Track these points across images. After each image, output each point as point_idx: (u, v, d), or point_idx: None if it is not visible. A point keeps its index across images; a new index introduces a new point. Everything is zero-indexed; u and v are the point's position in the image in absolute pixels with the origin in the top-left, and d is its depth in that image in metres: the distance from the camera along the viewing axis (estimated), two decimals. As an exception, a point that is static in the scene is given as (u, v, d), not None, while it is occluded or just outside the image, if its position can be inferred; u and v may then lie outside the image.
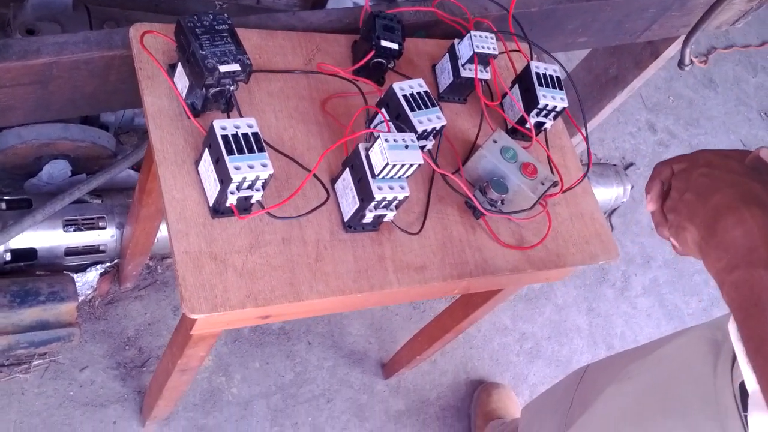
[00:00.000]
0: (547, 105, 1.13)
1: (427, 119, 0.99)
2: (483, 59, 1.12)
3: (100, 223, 1.47)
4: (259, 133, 0.86)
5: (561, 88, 1.15)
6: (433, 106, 1.00)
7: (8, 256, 1.40)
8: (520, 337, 2.02)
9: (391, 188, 0.93)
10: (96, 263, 1.55)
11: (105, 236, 1.48)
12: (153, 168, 1.06)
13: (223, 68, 0.87)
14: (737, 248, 0.67)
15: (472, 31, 1.11)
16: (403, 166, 0.91)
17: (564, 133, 1.26)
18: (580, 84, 1.95)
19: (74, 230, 1.45)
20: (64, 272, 1.48)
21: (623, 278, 2.30)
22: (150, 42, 0.96)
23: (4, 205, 1.41)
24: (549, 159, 1.18)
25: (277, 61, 1.06)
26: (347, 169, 0.97)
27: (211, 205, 0.89)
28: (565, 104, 1.14)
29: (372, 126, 1.00)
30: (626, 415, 0.99)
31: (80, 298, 1.52)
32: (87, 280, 1.54)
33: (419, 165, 0.92)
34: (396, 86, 0.99)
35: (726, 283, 0.68)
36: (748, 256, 0.66)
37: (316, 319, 1.77)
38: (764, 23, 3.25)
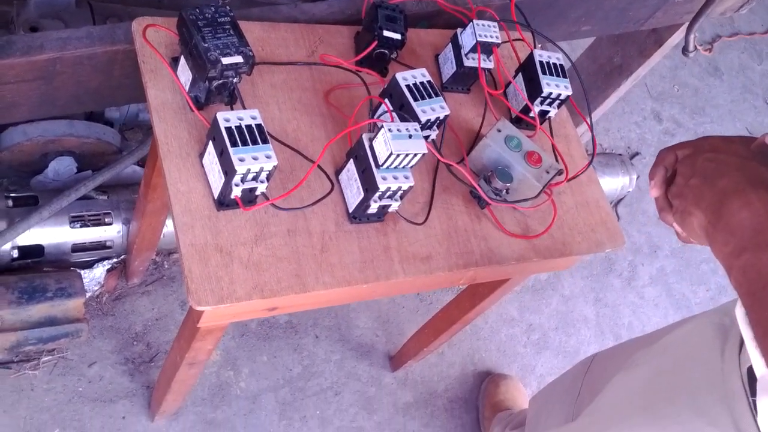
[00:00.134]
0: (551, 93, 1.13)
1: (431, 109, 0.99)
2: (486, 48, 1.11)
3: (106, 219, 1.48)
4: (263, 124, 0.86)
5: (565, 76, 1.15)
6: (437, 95, 1.00)
7: (15, 253, 1.41)
8: (528, 328, 2.02)
9: (395, 178, 0.93)
10: (103, 259, 1.55)
11: (111, 232, 1.48)
12: (158, 163, 1.07)
13: (225, 60, 0.87)
14: (744, 231, 0.67)
15: (474, 20, 1.11)
16: (407, 155, 0.91)
17: (568, 121, 1.26)
18: (585, 73, 1.95)
19: (81, 226, 1.45)
20: (71, 268, 1.49)
21: (630, 268, 2.29)
22: (153, 36, 0.96)
23: (10, 203, 1.41)
24: (554, 148, 1.18)
25: (279, 53, 1.06)
26: (351, 160, 0.97)
27: (216, 197, 0.90)
28: (569, 92, 1.14)
29: (375, 116, 1.00)
30: (634, 401, 0.99)
31: (88, 294, 1.53)
32: (94, 276, 1.55)
33: (423, 154, 0.92)
34: (399, 76, 0.99)
35: (734, 267, 0.67)
36: (755, 239, 0.65)
37: (323, 312, 1.78)
38: (769, 10, 3.24)
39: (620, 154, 2.36)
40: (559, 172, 1.10)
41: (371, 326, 1.82)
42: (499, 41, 1.11)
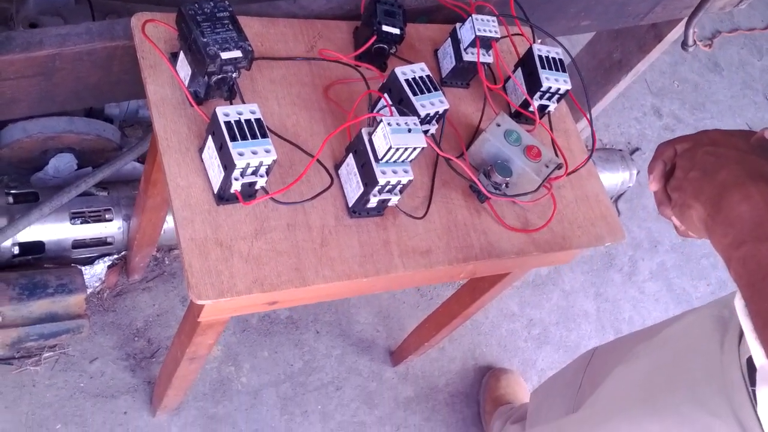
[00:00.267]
0: (550, 87, 1.13)
1: (430, 103, 0.99)
2: (485, 42, 1.11)
3: (106, 215, 1.48)
4: (262, 118, 0.86)
5: (564, 71, 1.15)
6: (436, 90, 1.00)
7: (16, 250, 1.41)
8: (528, 323, 2.02)
9: (394, 172, 0.93)
10: (103, 255, 1.56)
11: (112, 228, 1.49)
12: (158, 158, 1.07)
13: (224, 55, 0.88)
14: (744, 223, 0.67)
15: (473, 15, 1.11)
16: (406, 149, 0.91)
17: (568, 116, 1.26)
18: (584, 69, 1.95)
19: (81, 223, 1.45)
20: (72, 265, 1.49)
21: (630, 263, 2.30)
22: (152, 31, 0.96)
23: (11, 199, 1.41)
24: (553, 142, 1.18)
25: (279, 49, 1.06)
26: (351, 155, 0.97)
27: (215, 192, 0.90)
28: (569, 86, 1.14)
29: (375, 111, 1.00)
30: (634, 393, 0.99)
31: (89, 291, 1.53)
32: (95, 273, 1.55)
33: (422, 148, 0.92)
34: (398, 71, 1.00)
35: (733, 259, 0.68)
36: (754, 231, 0.66)
37: (323, 307, 1.78)
38: (769, 5, 3.23)
39: (620, 150, 2.36)
40: (559, 167, 1.10)
41: (372, 321, 1.83)
42: (498, 36, 1.12)
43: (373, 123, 0.94)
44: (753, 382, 0.81)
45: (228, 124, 0.84)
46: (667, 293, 2.30)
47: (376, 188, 0.93)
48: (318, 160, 0.97)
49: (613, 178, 2.25)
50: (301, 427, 1.64)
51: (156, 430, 1.51)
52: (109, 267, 1.57)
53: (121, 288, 1.61)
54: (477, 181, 1.04)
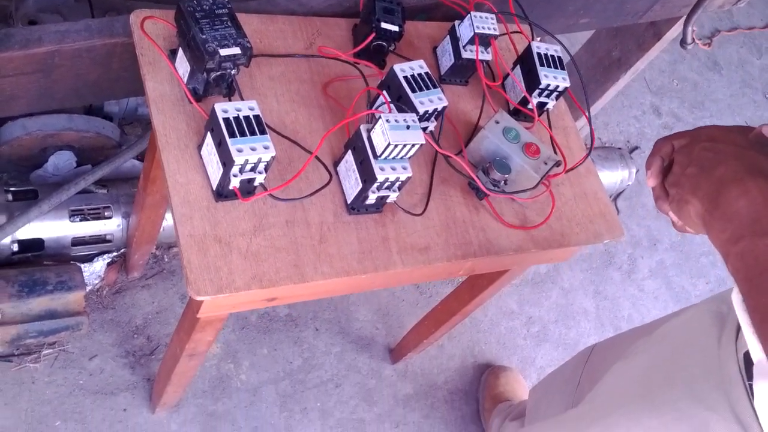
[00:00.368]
0: (549, 85, 1.13)
1: (429, 100, 0.99)
2: (484, 40, 1.12)
3: (105, 213, 1.48)
4: (261, 115, 0.86)
5: (563, 68, 1.15)
6: (434, 87, 1.00)
7: (15, 247, 1.41)
8: (527, 320, 2.03)
9: (393, 169, 0.93)
10: (103, 253, 1.56)
11: (111, 226, 1.49)
12: (157, 155, 1.07)
13: (223, 52, 0.88)
14: (742, 219, 0.67)
15: (472, 12, 1.11)
16: (405, 146, 0.91)
17: (567, 113, 1.26)
18: (584, 67, 1.95)
19: (80, 220, 1.46)
20: (71, 262, 1.49)
21: (630, 261, 2.30)
22: (151, 28, 0.97)
23: (10, 196, 1.41)
24: (552, 139, 1.18)
25: (277, 46, 1.06)
26: (349, 151, 0.97)
27: (214, 188, 0.90)
28: (567, 84, 1.14)
29: (373, 108, 1.00)
30: (632, 389, 0.99)
31: (88, 288, 1.54)
32: (94, 270, 1.55)
33: (421, 145, 0.92)
34: (397, 68, 1.00)
35: (731, 254, 0.68)
36: (752, 227, 0.66)
37: (322, 305, 1.78)
38: (768, 4, 3.24)
39: (619, 148, 2.36)
40: (557, 164, 1.10)
41: (371, 319, 1.83)
42: (497, 33, 1.12)
43: (372, 120, 0.94)
44: (750, 377, 0.82)
45: (227, 120, 0.84)
46: (666, 291, 2.31)
47: (375, 185, 0.93)
48: (317, 157, 0.97)
49: (613, 177, 2.25)
50: (301, 424, 1.64)
51: (155, 427, 1.51)
52: (108, 264, 1.57)
53: (120, 285, 1.61)
54: (476, 178, 1.04)
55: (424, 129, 1.02)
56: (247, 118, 0.85)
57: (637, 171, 2.33)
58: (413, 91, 0.99)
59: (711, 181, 0.72)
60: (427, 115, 1.00)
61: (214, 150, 0.87)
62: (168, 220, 1.50)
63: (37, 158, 1.43)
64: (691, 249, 2.43)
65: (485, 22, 1.11)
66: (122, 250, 1.58)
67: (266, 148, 0.84)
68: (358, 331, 1.80)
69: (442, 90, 1.01)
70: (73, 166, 1.46)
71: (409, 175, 0.94)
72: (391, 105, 0.98)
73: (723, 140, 0.75)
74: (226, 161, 0.85)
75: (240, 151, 0.83)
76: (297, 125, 1.01)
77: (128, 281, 1.62)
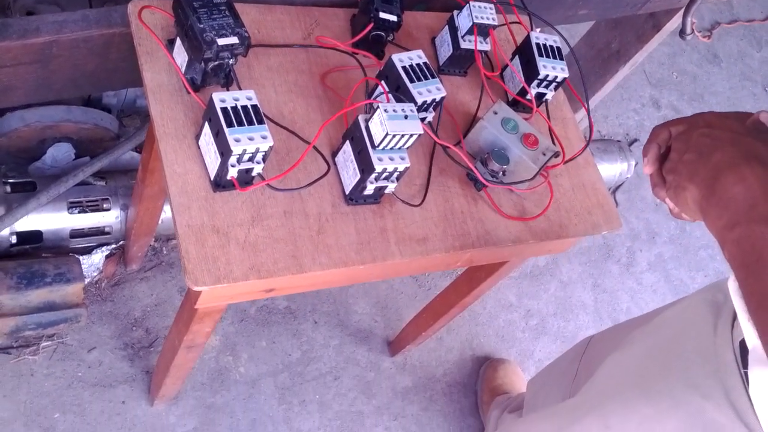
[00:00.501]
0: (547, 75, 1.13)
1: (427, 90, 0.99)
2: (482, 30, 1.11)
3: (104, 205, 1.48)
4: (258, 105, 0.86)
5: (561, 59, 1.15)
6: (433, 77, 1.00)
7: (14, 239, 1.41)
8: (526, 313, 2.03)
9: (391, 159, 0.93)
10: (101, 245, 1.56)
11: (109, 218, 1.49)
12: (155, 146, 1.06)
13: (221, 41, 0.88)
14: (738, 205, 0.67)
15: (471, 2, 1.11)
16: (402, 136, 0.91)
17: (565, 104, 1.26)
18: (583, 59, 1.95)
19: (79, 212, 1.45)
20: (70, 254, 1.49)
21: (628, 254, 2.30)
22: (148, 18, 0.96)
23: (8, 188, 1.41)
24: (550, 130, 1.18)
25: (275, 36, 1.06)
26: (347, 142, 0.97)
27: (212, 178, 0.90)
28: (566, 74, 1.14)
29: (372, 98, 1.00)
30: (628, 378, 0.99)
31: (86, 280, 1.53)
32: (93, 262, 1.55)
33: (419, 135, 0.92)
34: (395, 57, 0.99)
35: (727, 240, 0.68)
36: (749, 213, 0.66)
37: (321, 298, 1.78)
38: (768, -3, 3.23)
39: (618, 141, 2.36)
40: (556, 155, 1.10)
41: (370, 312, 1.83)
42: (496, 23, 1.12)
43: (370, 110, 0.94)
44: (745, 365, 0.82)
45: (224, 110, 0.84)
46: (664, 284, 2.31)
47: (373, 175, 0.93)
48: (315, 147, 0.97)
49: (612, 169, 2.25)
50: (299, 416, 1.64)
51: (154, 420, 1.51)
52: (107, 257, 1.57)
53: (119, 278, 1.61)
54: (474, 169, 1.04)
55: (423, 119, 1.02)
56: (244, 107, 0.85)
57: (636, 164, 2.33)
58: (411, 81, 0.99)
59: (708, 167, 0.72)
60: (425, 105, 1.00)
61: (212, 140, 0.87)
62: (166, 212, 1.50)
63: (35, 150, 1.43)
64: (690, 242, 2.43)
65: (484, 12, 1.11)
66: (121, 243, 1.58)
67: (264, 138, 0.84)
68: (356, 323, 1.80)
69: (441, 80, 1.01)
70: (71, 157, 1.46)
71: (407, 165, 0.94)
72: (390, 95, 0.98)
73: (720, 127, 0.75)
74: (224, 151, 0.84)
75: (238, 140, 0.83)
76: (295, 115, 1.01)
77: (127, 273, 1.62)
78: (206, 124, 0.88)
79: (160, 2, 0.97)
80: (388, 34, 1.08)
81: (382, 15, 1.05)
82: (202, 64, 0.90)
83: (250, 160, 0.86)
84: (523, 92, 1.16)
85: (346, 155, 0.97)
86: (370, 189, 0.96)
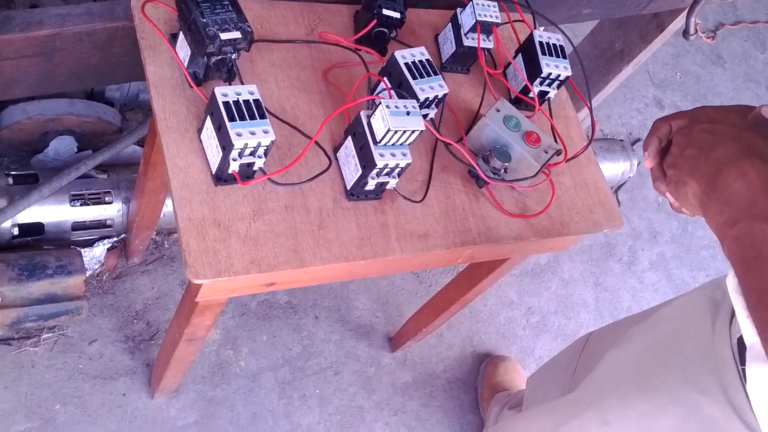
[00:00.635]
0: (550, 74, 1.13)
1: (429, 87, 0.99)
2: (486, 28, 1.11)
3: (106, 198, 1.48)
4: (261, 99, 0.86)
5: (564, 57, 1.15)
6: (435, 74, 1.00)
7: (16, 231, 1.42)
8: (527, 311, 2.03)
9: (393, 155, 0.93)
10: (103, 238, 1.56)
11: (111, 211, 1.49)
12: (157, 140, 1.07)
13: (224, 36, 0.88)
14: (739, 201, 0.67)
15: (474, 0, 1.11)
16: (404, 132, 0.91)
17: (568, 103, 1.26)
18: (586, 58, 1.95)
19: (81, 205, 1.46)
20: (72, 246, 1.49)
21: (630, 253, 2.30)
22: (152, 12, 0.96)
23: (11, 180, 1.42)
24: (552, 128, 1.18)
25: (278, 31, 1.06)
26: (349, 137, 0.97)
27: (213, 172, 0.90)
28: (569, 73, 1.14)
29: (374, 94, 1.00)
30: (627, 373, 1.00)
31: (88, 273, 1.54)
32: (94, 255, 1.55)
33: (421, 131, 0.92)
34: (398, 54, 1.00)
35: (727, 236, 0.68)
36: (749, 210, 0.66)
37: (322, 293, 1.79)
38: (773, -2, 3.23)
39: (621, 140, 2.36)
40: (558, 153, 1.10)
41: (370, 307, 1.83)
42: (499, 21, 1.12)
43: (372, 106, 0.94)
44: (743, 361, 0.82)
45: (226, 104, 0.84)
46: (666, 283, 2.31)
47: (375, 171, 0.93)
48: (316, 142, 0.97)
49: (614, 168, 2.25)
50: (299, 411, 1.64)
51: (154, 412, 1.51)
52: (108, 249, 1.57)
53: (120, 271, 1.61)
54: (476, 166, 1.04)
55: (425, 116, 1.02)
56: (246, 102, 0.85)
57: (639, 163, 2.33)
58: (414, 77, 0.99)
59: (709, 162, 0.72)
60: (427, 102, 1.00)
61: (214, 134, 0.87)
62: (168, 206, 1.50)
63: (37, 143, 1.43)
64: (692, 242, 2.43)
65: (487, 10, 1.11)
66: (122, 236, 1.58)
67: (266, 132, 0.84)
68: (357, 319, 1.80)
69: (443, 77, 1.01)
70: (73, 150, 1.46)
71: (409, 161, 0.94)
72: (392, 91, 0.98)
73: (722, 122, 0.75)
74: (226, 145, 0.85)
75: (239, 135, 0.83)
76: (297, 111, 1.01)
77: (128, 266, 1.62)
78: (208, 118, 0.88)
79: (164, -4, 0.97)
80: (391, 30, 1.08)
81: (386, 12, 1.05)
82: (205, 58, 0.90)
83: (252, 154, 0.86)
84: (525, 90, 1.16)
85: (348, 151, 0.97)
86: (371, 185, 0.96)
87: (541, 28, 1.21)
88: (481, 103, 1.16)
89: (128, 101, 1.59)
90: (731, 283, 0.79)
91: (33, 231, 1.44)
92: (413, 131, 0.92)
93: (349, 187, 0.98)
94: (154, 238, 1.66)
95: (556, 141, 1.16)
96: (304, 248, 0.93)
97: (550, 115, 1.20)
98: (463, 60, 1.17)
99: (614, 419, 0.98)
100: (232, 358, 1.63)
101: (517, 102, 1.18)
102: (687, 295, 1.02)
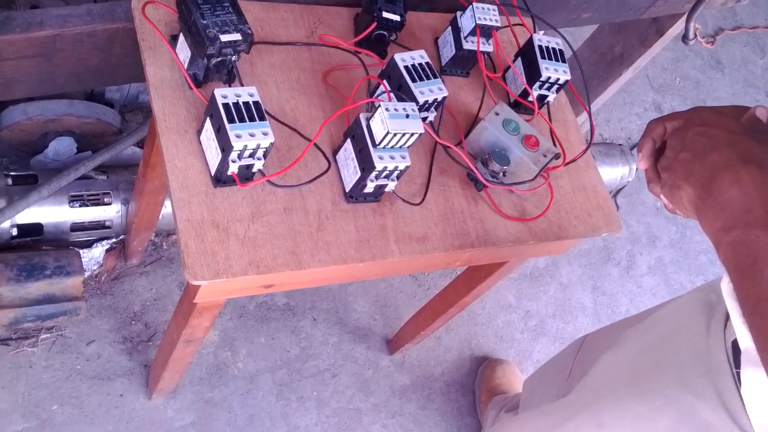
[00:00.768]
0: (549, 77, 1.13)
1: (429, 90, 0.99)
2: (485, 31, 1.12)
3: (105, 199, 1.48)
4: (260, 101, 0.86)
5: (564, 61, 1.15)
6: (435, 77, 1.01)
7: (15, 231, 1.42)
8: (525, 314, 2.03)
9: (392, 158, 0.93)
10: (102, 239, 1.56)
11: (110, 212, 1.49)
12: (156, 141, 1.07)
13: (224, 38, 0.88)
14: (734, 208, 0.67)
15: (474, 4, 1.11)
16: (403, 135, 0.91)
17: (567, 107, 1.27)
18: (586, 63, 1.95)
19: (80, 206, 1.46)
20: (70, 247, 1.49)
21: (628, 257, 2.30)
22: (152, 13, 0.97)
23: (10, 181, 1.42)
24: (551, 132, 1.18)
25: (279, 34, 1.06)
26: (348, 140, 0.97)
27: (213, 174, 0.90)
28: (568, 76, 1.14)
29: (373, 96, 1.00)
30: (622, 376, 1.00)
31: (86, 274, 1.54)
32: (93, 256, 1.56)
33: (420, 134, 0.92)
34: (398, 57, 1.00)
35: (722, 243, 0.68)
36: (744, 217, 0.66)
37: (320, 295, 1.79)
38: (773, 3, 3.23)
39: (620, 144, 2.36)
40: (557, 156, 1.10)
41: (369, 310, 1.83)
42: (499, 25, 1.12)
43: (372, 108, 0.95)
44: (738, 365, 0.82)
45: (226, 106, 0.84)
46: (664, 288, 2.31)
47: (374, 173, 0.93)
48: (315, 145, 0.97)
49: (613, 173, 2.25)
50: (297, 413, 1.64)
51: (152, 413, 1.51)
52: (107, 251, 1.57)
53: (119, 272, 1.61)
54: (474, 170, 1.05)
55: (424, 119, 1.03)
56: (246, 104, 0.85)
57: (638, 168, 2.33)
58: (413, 80, 0.99)
59: (703, 167, 0.72)
60: (427, 105, 1.00)
61: (213, 136, 0.87)
62: (167, 207, 1.50)
63: (37, 143, 1.44)
64: (690, 246, 2.43)
65: (487, 14, 1.11)
66: (121, 237, 1.58)
67: (265, 134, 0.85)
68: (355, 321, 1.80)
69: (443, 80, 1.01)
70: (73, 151, 1.46)
71: (408, 164, 0.94)
72: (391, 94, 0.98)
73: (716, 125, 0.75)
74: (225, 147, 0.85)
75: (239, 136, 0.83)
76: (297, 113, 1.01)
77: (127, 268, 1.62)
78: (208, 119, 0.88)
79: (164, -2, 0.98)
80: (391, 33, 1.08)
81: (386, 14, 1.05)
82: (205, 60, 0.90)
83: (251, 156, 0.87)
84: (524, 94, 1.16)
85: (347, 153, 0.98)
86: (370, 187, 0.96)
87: (541, 32, 1.21)
88: (480, 107, 1.17)
89: (128, 102, 1.59)
90: (726, 286, 0.79)
91: (32, 231, 1.45)
92: (412, 134, 0.92)
93: (347, 190, 0.99)
94: (152, 240, 1.66)
95: (555, 145, 1.16)
96: (302, 250, 0.93)
97: (549, 119, 1.20)
98: (463, 63, 1.17)
99: (609, 421, 0.98)
100: (229, 360, 1.63)
101: (516, 105, 1.18)
102: (682, 298, 1.02)
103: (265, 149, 0.86)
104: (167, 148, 0.90)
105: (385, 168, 0.93)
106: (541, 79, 1.13)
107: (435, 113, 1.06)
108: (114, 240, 1.58)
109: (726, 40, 3.05)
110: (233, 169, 0.87)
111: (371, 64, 1.08)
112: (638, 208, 2.41)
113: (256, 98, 0.86)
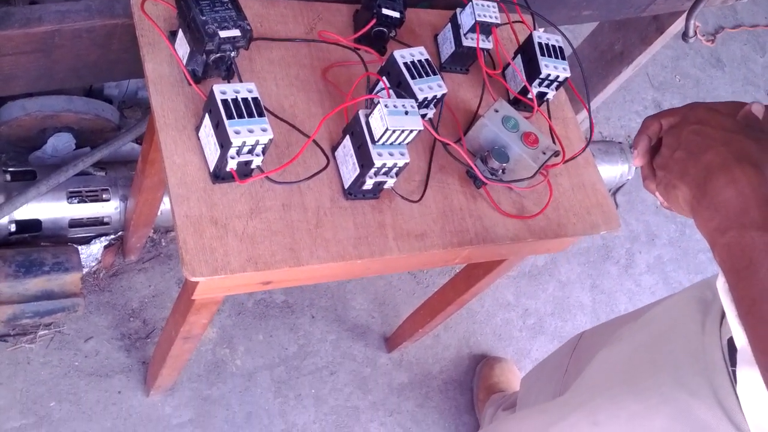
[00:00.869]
0: (549, 75, 1.13)
1: (428, 87, 0.99)
2: (485, 28, 1.11)
3: (103, 195, 1.48)
4: (259, 97, 0.86)
5: (563, 59, 1.15)
6: (434, 74, 1.00)
7: (13, 227, 1.41)
8: (523, 312, 2.03)
9: (391, 155, 0.93)
10: (100, 235, 1.56)
11: (109, 208, 1.49)
12: (155, 137, 1.07)
13: (223, 34, 0.88)
14: (729, 209, 0.67)
15: (474, 0, 1.11)
16: (402, 131, 0.91)
17: (566, 104, 1.26)
18: (586, 60, 1.95)
19: (78, 202, 1.46)
20: (69, 244, 1.49)
21: (627, 256, 2.30)
22: (151, 9, 0.96)
23: (8, 177, 1.41)
24: (551, 129, 1.18)
25: (278, 30, 1.06)
26: (347, 136, 0.97)
27: (211, 170, 0.90)
28: (568, 74, 1.14)
29: (373, 93, 1.00)
30: (617, 373, 1.00)
31: (85, 270, 1.54)
32: (91, 253, 1.55)
33: (419, 131, 0.92)
34: (397, 54, 1.00)
35: (717, 244, 0.68)
36: (740, 218, 0.66)
37: (319, 292, 1.78)
38: (773, 2, 3.23)
39: (620, 142, 2.36)
40: (556, 154, 1.10)
41: (367, 307, 1.83)
42: (498, 21, 1.12)
43: (371, 105, 0.94)
44: (733, 363, 0.82)
45: (225, 102, 0.84)
46: (663, 286, 2.31)
47: (373, 170, 0.93)
48: (314, 141, 0.97)
49: (612, 171, 2.25)
50: (295, 410, 1.64)
51: (150, 410, 1.51)
52: (105, 247, 1.57)
53: (117, 268, 1.61)
54: (474, 167, 1.04)
55: (423, 116, 1.02)
56: (245, 100, 0.85)
57: (633, 165, 2.32)
58: (413, 77, 0.99)
59: (698, 167, 0.71)
60: (426, 102, 1.00)
61: (212, 131, 0.87)
62: (166, 204, 1.50)
63: (36, 139, 1.43)
64: (689, 245, 2.43)
65: (487, 11, 1.11)
66: (120, 233, 1.58)
67: (264, 130, 0.84)
68: (354, 319, 1.80)
69: (442, 77, 1.01)
70: (71, 147, 1.46)
71: (407, 161, 0.94)
72: (391, 91, 0.98)
73: (711, 124, 0.74)
74: (224, 143, 0.84)
75: (238, 132, 0.83)
76: (296, 109, 1.01)
77: (125, 264, 1.62)
78: (206, 115, 0.88)
79: (163, -7, 0.97)
80: (391, 30, 1.08)
81: (385, 11, 1.05)
82: (204, 56, 0.90)
83: (250, 152, 0.86)
84: (524, 91, 1.16)
85: (346, 150, 0.97)
86: (369, 184, 0.96)
87: (541, 30, 1.21)
88: (479, 104, 1.16)
89: (127, 98, 1.59)
90: (721, 284, 0.78)
91: (30, 228, 1.44)
92: (411, 131, 0.92)
93: (346, 186, 0.98)
94: (151, 236, 1.66)
95: (554, 142, 1.16)
96: (301, 247, 0.93)
97: (549, 117, 1.20)
98: (462, 60, 1.17)
99: (604, 419, 0.98)
100: (228, 357, 1.63)
101: (515, 103, 1.18)
102: (677, 295, 1.02)
103: (263, 145, 0.86)
104: (166, 144, 0.90)
105: (384, 165, 0.93)
106: (541, 76, 1.13)
107: (434, 110, 1.06)
108: (112, 236, 1.58)
109: (726, 38, 3.05)
110: (232, 165, 0.87)
111: (370, 60, 1.08)
112: (637, 207, 2.41)
113: (255, 94, 0.86)
